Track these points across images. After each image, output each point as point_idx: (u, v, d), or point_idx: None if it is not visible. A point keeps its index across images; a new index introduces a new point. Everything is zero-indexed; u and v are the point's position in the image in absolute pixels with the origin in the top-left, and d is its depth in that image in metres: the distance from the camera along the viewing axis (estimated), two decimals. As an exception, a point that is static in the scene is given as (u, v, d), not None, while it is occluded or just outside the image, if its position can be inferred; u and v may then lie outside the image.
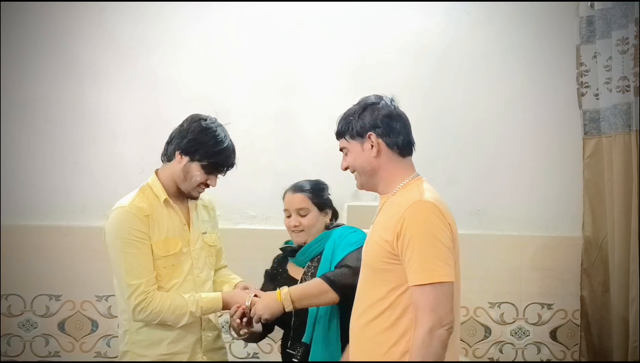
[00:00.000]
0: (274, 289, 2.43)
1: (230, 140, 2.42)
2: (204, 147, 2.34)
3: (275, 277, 2.63)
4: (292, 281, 2.53)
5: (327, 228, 2.57)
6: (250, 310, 2.35)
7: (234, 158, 2.42)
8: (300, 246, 2.56)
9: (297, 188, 2.57)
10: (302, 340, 2.45)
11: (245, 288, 2.50)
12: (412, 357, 1.88)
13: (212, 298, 2.40)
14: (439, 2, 3.32)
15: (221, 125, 2.42)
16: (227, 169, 2.42)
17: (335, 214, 2.64)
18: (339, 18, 3.33)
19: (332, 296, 2.32)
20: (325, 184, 2.61)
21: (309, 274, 2.50)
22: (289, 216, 2.56)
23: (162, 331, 2.36)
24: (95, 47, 3.31)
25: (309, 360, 2.41)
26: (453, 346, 1.96)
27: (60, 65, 3.30)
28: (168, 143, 2.41)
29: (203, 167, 2.35)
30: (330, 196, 2.61)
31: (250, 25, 3.33)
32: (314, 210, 2.53)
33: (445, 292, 1.89)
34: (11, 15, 3.29)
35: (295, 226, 2.53)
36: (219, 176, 2.43)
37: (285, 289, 2.35)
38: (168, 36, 3.32)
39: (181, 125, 2.41)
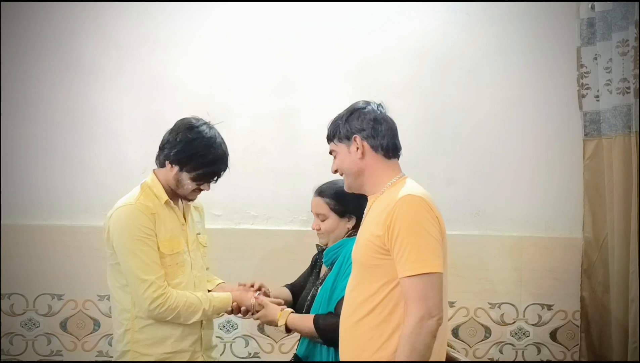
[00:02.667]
0: (311, 276, 2.63)
1: (222, 144, 2.41)
2: (193, 158, 2.35)
3: (314, 266, 2.68)
4: (317, 279, 2.58)
5: (349, 234, 2.51)
6: (255, 311, 2.51)
7: (226, 162, 2.42)
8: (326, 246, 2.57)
9: (319, 191, 2.54)
10: (296, 352, 2.52)
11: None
12: (401, 346, 1.92)
13: (223, 298, 2.46)
14: (440, 3, 3.33)
15: (212, 128, 2.42)
16: (219, 177, 2.43)
17: (359, 221, 2.47)
18: (341, 19, 3.33)
19: (319, 340, 2.39)
20: None
21: (320, 282, 2.52)
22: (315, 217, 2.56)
23: (167, 329, 2.37)
24: (96, 48, 3.30)
25: None
26: (440, 338, 1.99)
27: (62, 65, 3.30)
28: (160, 149, 2.42)
29: (193, 177, 2.37)
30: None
31: (252, 25, 3.33)
32: (333, 216, 2.49)
33: (435, 283, 1.93)
34: (12, 15, 3.28)
35: (315, 229, 2.55)
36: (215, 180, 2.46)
37: (286, 314, 2.45)
38: (169, 37, 3.32)
39: (171, 131, 2.41)
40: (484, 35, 3.35)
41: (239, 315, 2.52)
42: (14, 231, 3.24)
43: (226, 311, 2.50)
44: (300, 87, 3.34)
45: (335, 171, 2.19)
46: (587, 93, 3.19)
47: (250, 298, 2.50)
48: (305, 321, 2.41)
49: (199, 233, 2.55)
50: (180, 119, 2.44)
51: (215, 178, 2.42)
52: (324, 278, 2.50)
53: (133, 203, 2.36)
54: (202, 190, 2.44)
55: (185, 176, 2.37)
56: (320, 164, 3.18)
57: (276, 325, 2.47)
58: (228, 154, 2.43)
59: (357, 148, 2.09)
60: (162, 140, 2.42)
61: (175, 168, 2.37)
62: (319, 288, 2.49)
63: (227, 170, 2.45)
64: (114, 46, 3.31)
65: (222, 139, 2.43)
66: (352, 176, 2.14)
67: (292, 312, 2.48)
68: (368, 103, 2.16)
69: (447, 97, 3.34)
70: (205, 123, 2.42)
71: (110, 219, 2.37)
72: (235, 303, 2.49)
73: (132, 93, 3.32)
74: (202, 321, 2.44)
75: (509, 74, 3.34)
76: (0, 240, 3.20)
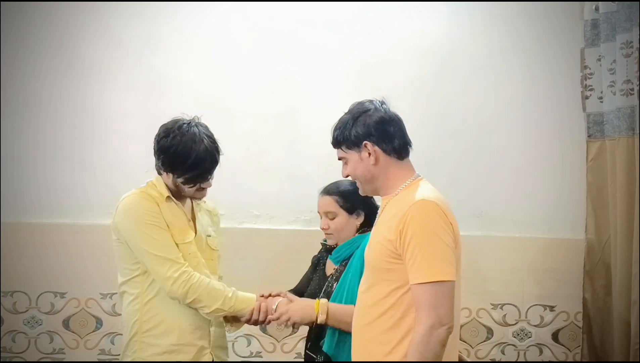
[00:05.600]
0: (313, 275, 2.58)
1: (205, 139, 2.34)
2: (177, 166, 2.34)
3: (318, 265, 2.66)
4: (324, 278, 2.56)
5: (361, 231, 2.48)
6: (275, 311, 2.42)
7: (213, 157, 2.36)
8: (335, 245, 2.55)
9: (327, 190, 2.52)
10: (323, 349, 2.43)
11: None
12: (411, 354, 1.90)
13: (247, 297, 2.41)
14: (441, 4, 3.32)
15: (194, 125, 2.36)
16: (210, 174, 2.40)
17: (368, 217, 2.45)
18: (343, 19, 3.34)
19: None
20: None
21: (334, 277, 2.50)
22: (321, 218, 2.54)
23: (174, 320, 2.35)
24: (98, 46, 3.32)
25: None
26: (452, 346, 1.98)
27: (64, 64, 3.31)
28: (155, 156, 2.41)
29: (184, 181, 2.36)
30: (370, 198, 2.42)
31: (254, 25, 3.34)
32: (343, 214, 2.47)
33: (446, 291, 1.91)
34: (15, 14, 3.29)
35: (324, 228, 2.52)
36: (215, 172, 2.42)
37: (324, 301, 2.38)
38: (171, 36, 3.33)
39: (155, 140, 2.39)
40: (486, 36, 3.34)
41: (260, 324, 2.46)
42: (15, 230, 3.26)
43: (246, 319, 2.43)
44: (301, 87, 3.34)
45: (347, 176, 2.15)
46: (590, 94, 3.18)
47: (275, 302, 2.44)
48: (350, 307, 2.24)
49: (209, 235, 2.53)
50: (162, 125, 2.41)
51: (207, 176, 2.39)
52: (338, 276, 2.46)
53: (137, 192, 2.38)
54: (204, 188, 2.43)
55: (179, 181, 2.37)
56: (322, 164, 3.20)
57: (314, 320, 2.35)
58: (215, 147, 2.37)
59: (369, 154, 2.05)
60: (153, 148, 2.41)
61: (170, 175, 2.38)
62: (334, 285, 2.46)
63: (219, 165, 2.40)
64: (115, 44, 3.33)
65: (205, 134, 2.35)
66: (367, 182, 2.11)
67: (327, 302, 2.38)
68: (371, 103, 2.11)
69: (449, 98, 3.34)
70: (185, 123, 2.36)
71: (117, 211, 2.37)
72: (258, 308, 2.41)
73: (133, 92, 3.33)
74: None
75: (512, 75, 3.33)
76: (0, 238, 3.21)
